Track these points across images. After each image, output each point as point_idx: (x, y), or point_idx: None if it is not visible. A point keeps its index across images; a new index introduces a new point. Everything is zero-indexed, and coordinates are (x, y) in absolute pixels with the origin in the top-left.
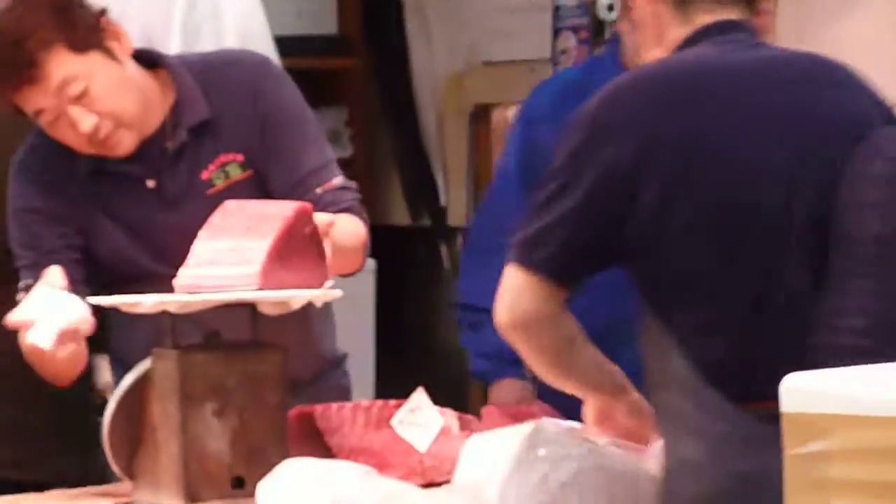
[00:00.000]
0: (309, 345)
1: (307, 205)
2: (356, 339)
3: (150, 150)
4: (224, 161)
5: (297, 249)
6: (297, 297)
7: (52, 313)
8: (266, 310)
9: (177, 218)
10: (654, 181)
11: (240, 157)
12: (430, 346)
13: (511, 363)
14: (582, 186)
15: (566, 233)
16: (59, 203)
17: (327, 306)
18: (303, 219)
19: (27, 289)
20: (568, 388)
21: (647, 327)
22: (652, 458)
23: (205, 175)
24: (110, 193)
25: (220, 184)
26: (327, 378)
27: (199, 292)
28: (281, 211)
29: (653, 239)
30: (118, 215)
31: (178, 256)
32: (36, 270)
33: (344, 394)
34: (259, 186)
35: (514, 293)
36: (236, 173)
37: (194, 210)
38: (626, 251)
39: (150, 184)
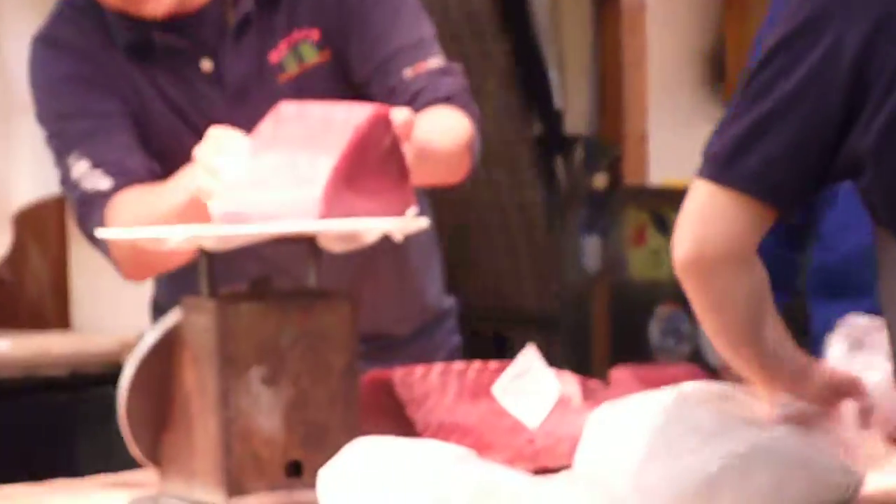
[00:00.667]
0: (405, 291)
1: (385, 108)
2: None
3: (204, 22)
4: (297, 39)
5: (373, 167)
6: (369, 229)
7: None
8: (329, 245)
9: (239, 112)
10: (888, 67)
11: (315, 34)
12: (544, 286)
13: None
14: (796, 77)
15: (777, 137)
16: (101, 72)
17: (428, 241)
18: (380, 127)
19: (98, 165)
20: (749, 365)
21: (885, 254)
22: (839, 430)
23: (274, 57)
24: (158, 72)
25: (292, 69)
26: (431, 334)
27: (243, 223)
28: (351, 116)
29: (887, 140)
30: (170, 97)
31: None
32: (96, 141)
33: (453, 355)
34: (339, 74)
35: (707, 218)
36: (311, 56)
37: (260, 102)
38: (853, 158)
39: (206, 66)
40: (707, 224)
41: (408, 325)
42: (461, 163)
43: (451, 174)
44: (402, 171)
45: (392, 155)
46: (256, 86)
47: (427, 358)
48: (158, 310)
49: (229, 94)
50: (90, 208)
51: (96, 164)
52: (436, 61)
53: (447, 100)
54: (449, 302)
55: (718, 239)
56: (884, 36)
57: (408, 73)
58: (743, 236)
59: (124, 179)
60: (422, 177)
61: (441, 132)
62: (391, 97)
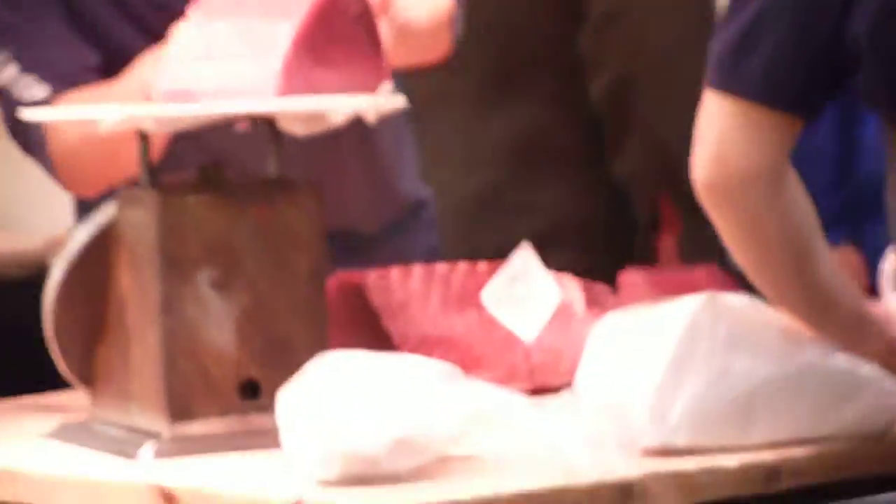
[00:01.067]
0: (373, 180)
1: None
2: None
3: None
4: None
5: (340, 35)
6: (338, 108)
7: None
8: (291, 127)
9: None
10: None
11: None
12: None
13: None
14: None
15: (777, 33)
16: None
17: (397, 123)
18: None
19: (29, 69)
20: (795, 308)
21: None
22: None
23: None
24: None
25: None
26: (404, 230)
27: (188, 101)
28: None
29: (883, 24)
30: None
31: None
32: (23, 36)
33: (431, 256)
34: None
35: (723, 134)
36: None
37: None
38: (854, 47)
39: None
40: (724, 140)
41: (376, 220)
42: (443, 39)
43: (432, 52)
44: (373, 41)
45: (362, 21)
46: None
47: (400, 259)
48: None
49: None
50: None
51: (27, 68)
52: None
53: None
54: (425, 192)
55: (739, 156)
56: None
57: None
58: (765, 150)
59: (62, 84)
60: (400, 57)
61: (420, 5)
62: None
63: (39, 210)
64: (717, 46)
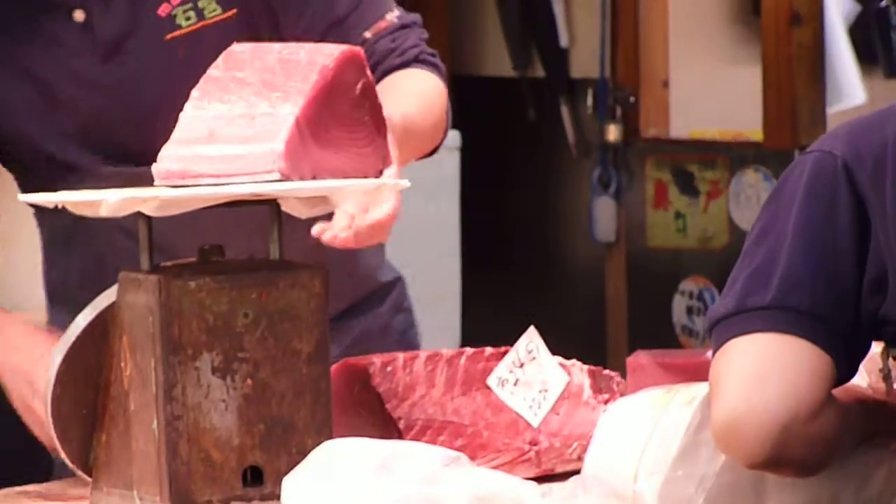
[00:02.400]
0: (335, 259)
1: (356, 49)
2: (433, 249)
3: None
4: None
5: (343, 116)
6: (344, 189)
7: None
8: (295, 210)
9: (121, 74)
10: None
11: None
12: (549, 258)
13: None
14: (794, 209)
15: (791, 258)
16: None
17: None
18: (350, 69)
19: None
20: None
21: None
22: None
23: (163, 10)
24: (14, 29)
25: (186, 25)
26: (366, 312)
27: (190, 184)
28: (316, 57)
29: None
30: (27, 66)
31: (122, 140)
32: None
33: (402, 340)
34: (250, 34)
35: (790, 373)
36: (213, 12)
37: (146, 62)
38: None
39: (79, 16)
40: (782, 380)
41: (336, 301)
42: (440, 132)
43: (431, 146)
44: (377, 122)
45: (365, 102)
46: (139, 43)
47: (364, 341)
48: (54, 292)
49: (105, 53)
50: None
51: None
52: (393, 15)
53: (416, 61)
54: (391, 274)
55: (803, 396)
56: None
57: (367, 35)
58: (826, 384)
59: None
60: (405, 156)
61: (420, 107)
62: None
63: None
64: (720, 305)
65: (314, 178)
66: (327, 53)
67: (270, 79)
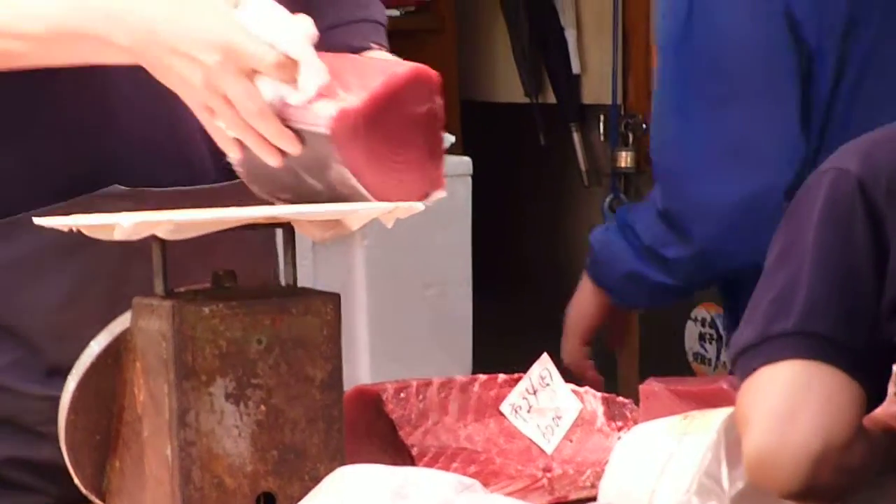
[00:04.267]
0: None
1: (433, 73)
2: (444, 276)
3: None
4: None
5: (402, 128)
6: (356, 213)
7: None
8: (308, 232)
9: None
10: None
11: None
12: (560, 285)
13: None
14: (810, 230)
15: (812, 285)
16: None
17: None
18: (421, 87)
19: None
20: None
21: None
22: None
23: None
24: None
25: None
26: None
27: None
28: (390, 66)
29: None
30: None
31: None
32: None
33: None
34: None
35: (821, 402)
36: None
37: None
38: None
39: None
40: (819, 409)
41: None
42: None
43: None
44: (433, 147)
45: (427, 126)
46: None
47: None
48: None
49: None
50: None
51: None
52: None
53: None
54: None
55: (842, 425)
56: None
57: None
58: (833, 417)
59: None
60: None
61: None
62: None
63: None
64: (742, 334)
65: (354, 174)
66: (403, 65)
67: (342, 75)
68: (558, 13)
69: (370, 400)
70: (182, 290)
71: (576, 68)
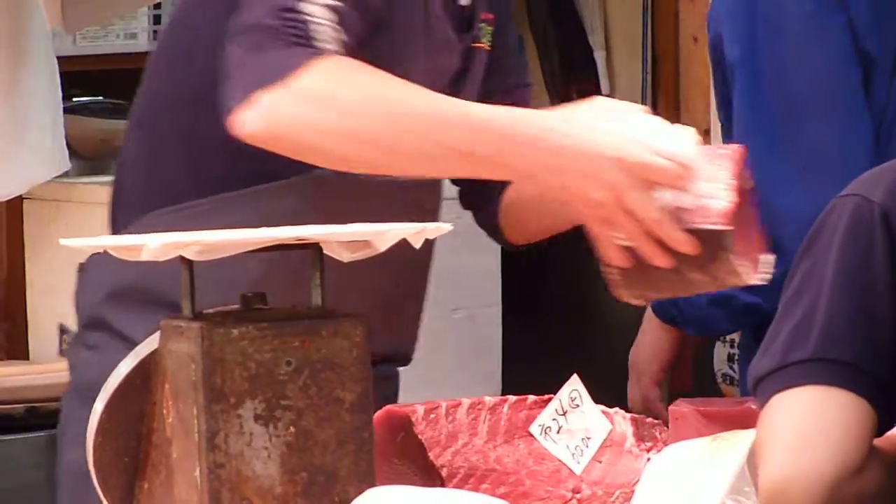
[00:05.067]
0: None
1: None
2: (474, 299)
3: None
4: (486, 17)
5: (744, 204)
6: (383, 235)
7: None
8: (336, 253)
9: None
10: None
11: (491, 20)
12: (588, 309)
13: None
14: (830, 266)
15: (830, 315)
16: None
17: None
18: (743, 163)
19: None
20: None
21: None
22: None
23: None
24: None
25: (483, 41)
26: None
27: None
28: (714, 150)
29: None
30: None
31: None
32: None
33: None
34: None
35: (836, 428)
36: (486, 39)
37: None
38: None
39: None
40: (834, 433)
41: (410, 348)
42: None
43: None
44: (751, 214)
45: (747, 195)
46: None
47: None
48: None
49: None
50: (287, 49)
51: (337, 12)
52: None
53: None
54: None
55: (854, 450)
56: None
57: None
58: (848, 444)
59: (347, 42)
60: None
61: None
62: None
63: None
64: (762, 362)
65: (738, 256)
66: (727, 148)
67: None
68: (587, 36)
69: (399, 421)
70: (211, 311)
71: (605, 90)
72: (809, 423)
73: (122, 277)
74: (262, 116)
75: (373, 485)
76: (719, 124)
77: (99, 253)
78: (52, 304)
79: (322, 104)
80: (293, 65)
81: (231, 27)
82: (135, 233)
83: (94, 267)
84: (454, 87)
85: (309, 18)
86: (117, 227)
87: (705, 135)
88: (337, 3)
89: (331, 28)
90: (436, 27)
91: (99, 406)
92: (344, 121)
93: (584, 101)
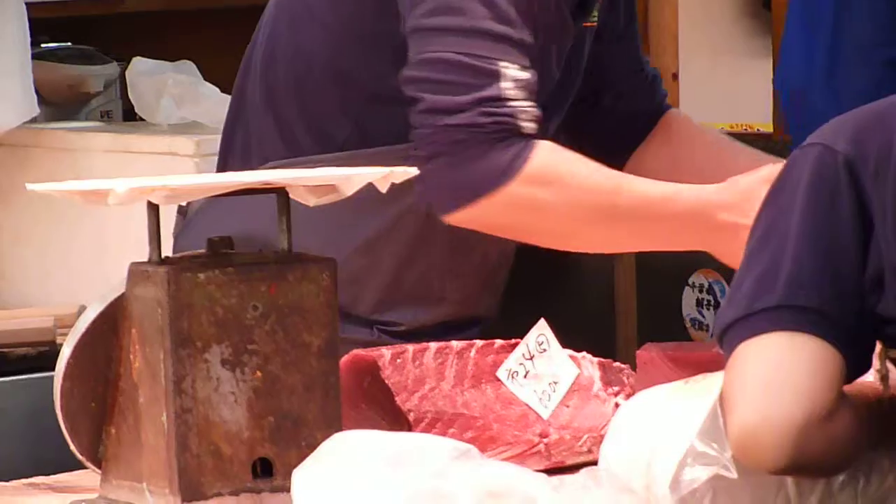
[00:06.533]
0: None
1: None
2: None
3: None
4: None
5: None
6: (352, 177)
7: None
8: (302, 198)
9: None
10: None
11: None
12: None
13: None
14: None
15: (797, 260)
16: None
17: None
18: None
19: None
20: None
21: None
22: None
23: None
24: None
25: (590, 20)
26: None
27: None
28: None
29: None
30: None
31: None
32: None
33: None
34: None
35: (804, 374)
36: (593, 18)
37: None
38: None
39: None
40: (801, 382)
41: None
42: None
43: None
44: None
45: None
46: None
47: None
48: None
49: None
50: (506, 137)
51: (527, 87)
52: None
53: None
54: None
55: (823, 399)
56: None
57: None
58: (815, 389)
59: (538, 113)
60: None
61: None
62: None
63: (46, 284)
64: (727, 311)
65: None
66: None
67: None
68: None
69: (366, 366)
70: (177, 256)
71: None
72: (777, 368)
73: (227, 226)
74: (474, 220)
75: (340, 429)
76: (688, 67)
77: (201, 201)
78: (21, 252)
79: (533, 212)
80: (506, 170)
81: (425, 109)
82: None
83: (199, 215)
84: (564, 68)
85: (513, 108)
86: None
87: (674, 79)
88: (526, 74)
89: (531, 108)
90: (563, 20)
91: (66, 351)
92: (559, 224)
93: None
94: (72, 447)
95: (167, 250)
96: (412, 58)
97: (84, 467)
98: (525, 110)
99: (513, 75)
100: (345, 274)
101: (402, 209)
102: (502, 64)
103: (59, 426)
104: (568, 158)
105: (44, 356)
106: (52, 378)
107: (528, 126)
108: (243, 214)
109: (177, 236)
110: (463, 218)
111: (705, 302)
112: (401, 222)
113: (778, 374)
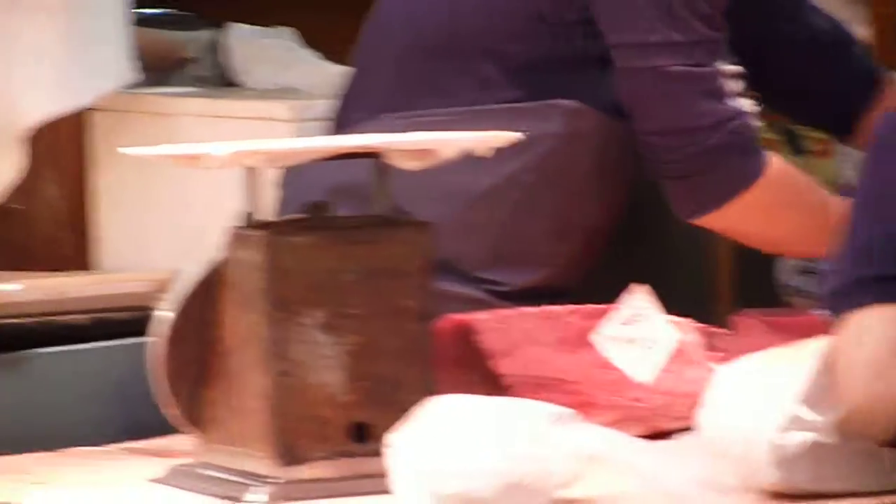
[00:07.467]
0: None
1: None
2: None
3: None
4: None
5: None
6: (447, 144)
7: None
8: (400, 162)
9: None
10: None
11: None
12: (653, 217)
13: None
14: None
15: None
16: None
17: None
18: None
19: None
20: None
21: None
22: None
23: None
24: None
25: None
26: None
27: None
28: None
29: None
30: None
31: None
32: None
33: None
34: None
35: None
36: None
37: None
38: None
39: None
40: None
41: None
42: None
43: None
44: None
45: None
46: None
47: None
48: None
49: None
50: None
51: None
52: None
53: None
54: None
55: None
56: None
57: None
58: None
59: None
60: None
61: None
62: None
63: (143, 249)
64: (833, 279)
65: None
66: None
67: None
68: None
69: (462, 330)
70: (276, 220)
71: None
72: (884, 345)
73: (339, 178)
74: (718, 221)
75: (435, 394)
76: None
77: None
78: (118, 215)
79: (759, 219)
80: (749, 177)
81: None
82: (366, 131)
83: (307, 167)
84: None
85: (747, 115)
86: (343, 124)
87: None
88: (737, 69)
89: (752, 107)
90: None
91: (167, 315)
92: (772, 230)
93: None
94: (170, 411)
95: (263, 215)
96: (626, 69)
97: (176, 432)
98: (752, 112)
99: (733, 83)
100: (454, 228)
101: (517, 167)
102: (725, 72)
103: (149, 391)
104: (785, 175)
105: (138, 321)
106: (143, 344)
107: (758, 140)
108: (348, 163)
109: (283, 187)
110: (706, 221)
111: (802, 268)
112: (514, 180)
113: (887, 351)
